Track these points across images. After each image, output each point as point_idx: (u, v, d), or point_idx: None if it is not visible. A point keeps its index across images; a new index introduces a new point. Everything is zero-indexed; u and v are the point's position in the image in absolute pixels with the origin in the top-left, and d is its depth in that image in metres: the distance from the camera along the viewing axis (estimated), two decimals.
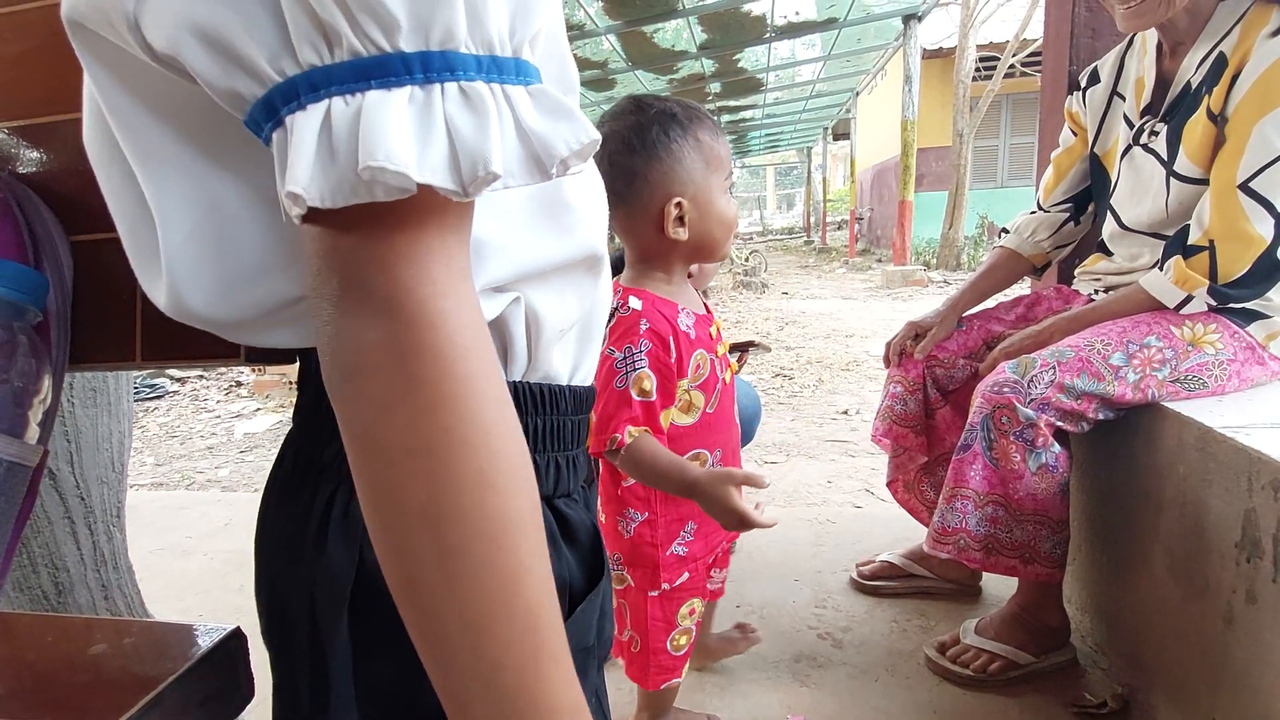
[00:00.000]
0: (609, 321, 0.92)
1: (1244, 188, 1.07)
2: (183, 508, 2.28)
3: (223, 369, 4.68)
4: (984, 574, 1.49)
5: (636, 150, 0.89)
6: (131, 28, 0.30)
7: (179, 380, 4.58)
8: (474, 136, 0.28)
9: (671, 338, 0.90)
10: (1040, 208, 1.49)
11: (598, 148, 0.31)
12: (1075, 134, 1.43)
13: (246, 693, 0.59)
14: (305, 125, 0.28)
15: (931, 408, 1.45)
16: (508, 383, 0.39)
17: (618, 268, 0.97)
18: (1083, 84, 1.39)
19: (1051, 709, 1.17)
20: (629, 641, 1.03)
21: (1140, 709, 1.14)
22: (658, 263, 0.96)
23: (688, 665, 1.08)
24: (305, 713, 0.41)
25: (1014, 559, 1.18)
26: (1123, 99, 1.32)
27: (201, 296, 0.39)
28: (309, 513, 0.40)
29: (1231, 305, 1.14)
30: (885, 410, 1.47)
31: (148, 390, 4.34)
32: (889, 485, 1.55)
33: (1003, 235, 1.54)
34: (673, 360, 0.90)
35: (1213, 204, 1.10)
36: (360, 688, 0.39)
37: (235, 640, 0.59)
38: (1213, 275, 1.10)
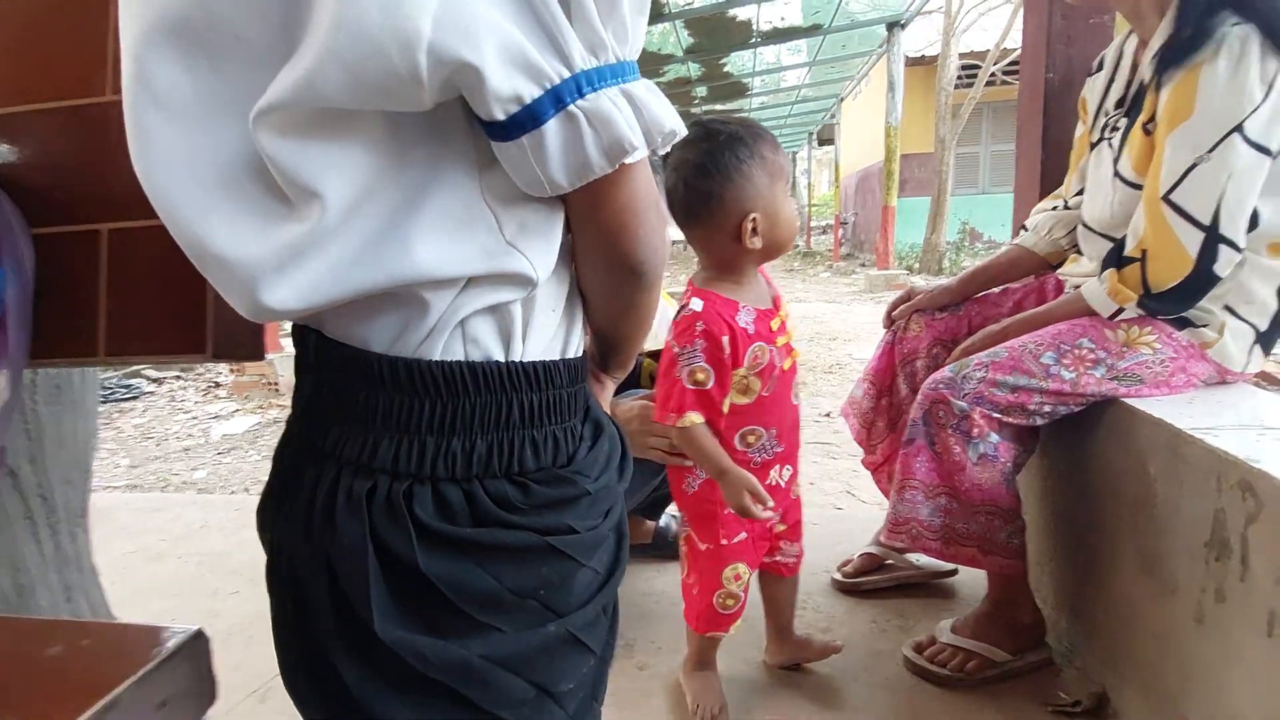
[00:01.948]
0: (675, 315, 1.08)
1: (1166, 199, 1.06)
2: (157, 510, 2.24)
3: (201, 369, 4.61)
4: (961, 567, 1.49)
5: (712, 174, 1.00)
6: (425, 52, 0.36)
7: (156, 380, 4.51)
8: (664, 113, 0.43)
9: (727, 336, 1.03)
10: (1065, 204, 1.44)
11: None
12: (1084, 123, 1.40)
13: (209, 696, 0.58)
14: (604, 107, 0.40)
15: (900, 406, 1.47)
16: (509, 364, 0.45)
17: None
18: (1093, 71, 1.36)
19: (1027, 708, 1.17)
20: (691, 584, 1.17)
21: (1114, 708, 1.15)
22: (730, 268, 1.08)
23: (735, 625, 1.18)
24: (327, 692, 0.45)
25: (972, 548, 1.19)
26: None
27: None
28: (314, 495, 0.44)
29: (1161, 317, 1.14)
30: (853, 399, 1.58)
31: (123, 390, 4.27)
32: (857, 437, 1.63)
33: (1022, 233, 1.50)
34: (726, 355, 1.04)
35: (1145, 214, 1.10)
36: (377, 649, 0.43)
37: (197, 643, 0.57)
38: (1144, 287, 1.10)
